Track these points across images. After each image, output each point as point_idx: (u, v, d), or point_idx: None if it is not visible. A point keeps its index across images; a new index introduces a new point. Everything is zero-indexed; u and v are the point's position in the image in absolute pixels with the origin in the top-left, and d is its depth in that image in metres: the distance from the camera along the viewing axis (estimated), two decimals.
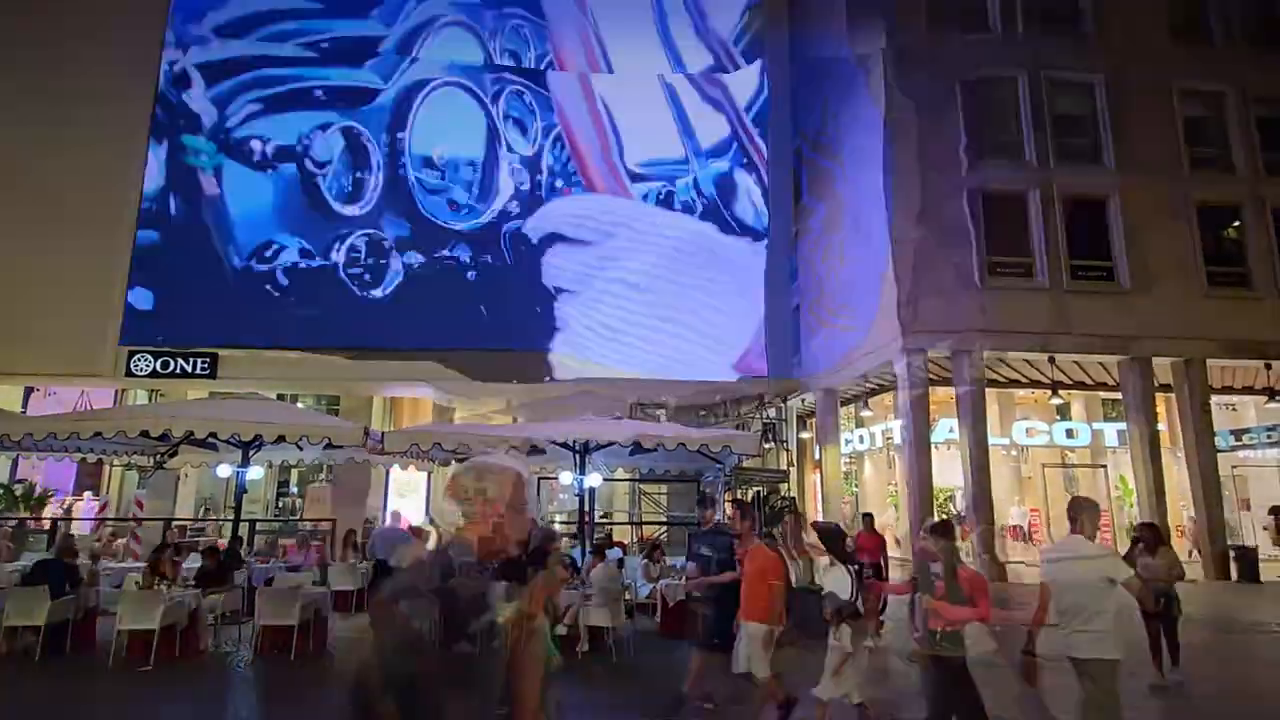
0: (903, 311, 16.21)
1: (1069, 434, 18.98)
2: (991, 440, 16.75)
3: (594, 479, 12.20)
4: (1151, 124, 17.55)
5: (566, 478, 12.81)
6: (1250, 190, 17.57)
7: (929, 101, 17.18)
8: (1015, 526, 19.31)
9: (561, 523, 18.60)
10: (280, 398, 20.12)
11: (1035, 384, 18.56)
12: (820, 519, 19.44)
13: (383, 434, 11.28)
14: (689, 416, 21.86)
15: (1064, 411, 19.12)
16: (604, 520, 19.33)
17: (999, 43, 17.79)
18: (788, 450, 21.24)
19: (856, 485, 22.15)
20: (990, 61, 17.65)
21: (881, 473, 21.56)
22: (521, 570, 2.16)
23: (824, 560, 5.66)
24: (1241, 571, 15.37)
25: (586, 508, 12.48)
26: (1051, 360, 17.07)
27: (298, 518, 21.19)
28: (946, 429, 17.71)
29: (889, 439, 19.52)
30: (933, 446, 16.55)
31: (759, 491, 19.15)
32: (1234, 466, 19.64)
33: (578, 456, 11.12)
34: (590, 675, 7.41)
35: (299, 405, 20.81)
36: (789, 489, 18.81)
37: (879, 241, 17.16)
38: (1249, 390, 19.03)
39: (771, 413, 22.89)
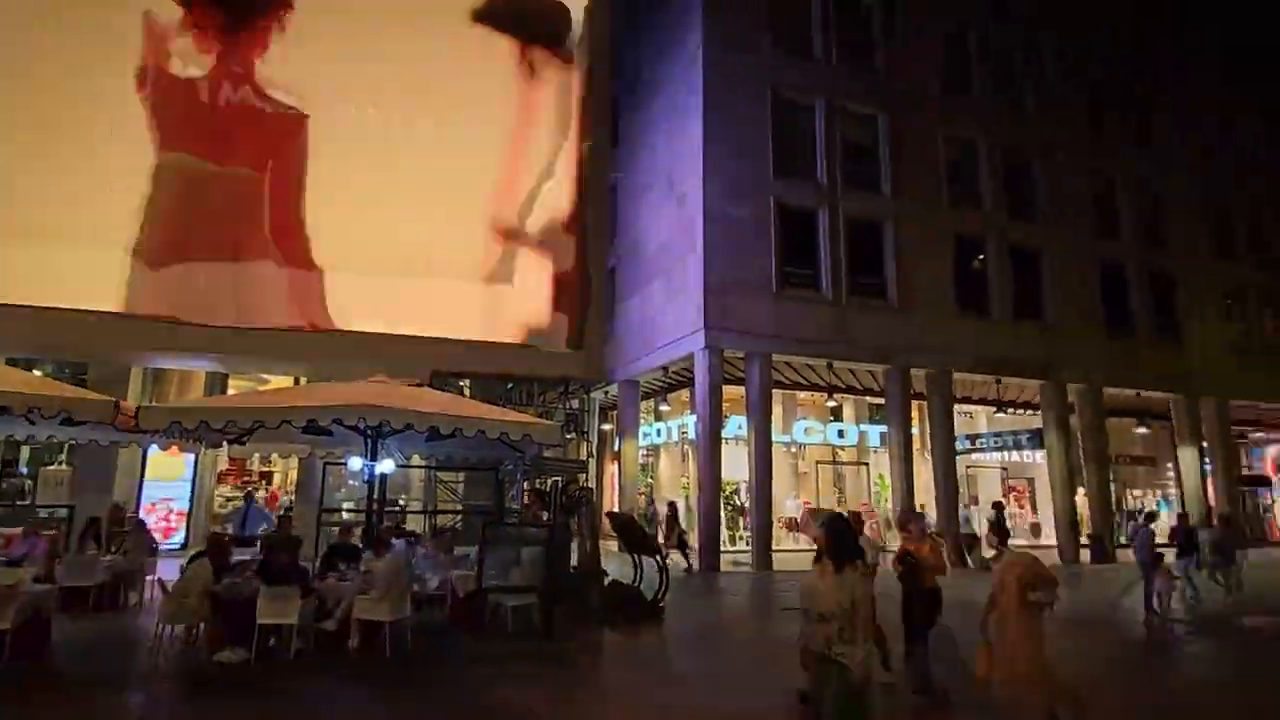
0: (710, 300, 16.92)
1: (840, 434, 20.86)
2: (775, 438, 18.00)
3: (386, 465, 11.42)
4: (921, 161, 19.73)
5: (356, 463, 11.91)
6: (995, 230, 20.31)
7: (745, 97, 18.09)
8: (791, 518, 20.90)
9: (349, 511, 17.40)
10: (12, 363, 16.93)
11: (815, 387, 20.18)
12: (617, 509, 19.84)
13: (139, 408, 9.74)
14: (491, 395, 21.37)
15: (837, 414, 20.96)
16: (395, 509, 18.34)
17: (808, 67, 19.09)
18: (588, 441, 21.49)
19: (652, 477, 22.88)
20: (799, 84, 18.88)
21: (675, 465, 22.43)
22: None
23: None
24: (961, 558, 17.71)
25: (377, 495, 11.68)
26: (830, 366, 18.70)
27: (28, 503, 18.05)
28: (736, 425, 18.75)
29: (684, 433, 20.33)
30: (723, 441, 17.45)
31: (558, 481, 19.15)
32: (968, 467, 22.65)
33: (369, 441, 10.31)
34: (353, 672, 7.08)
35: (35, 373, 17.66)
36: (587, 479, 19.02)
37: (692, 210, 17.80)
38: (983, 401, 22.03)
39: (575, 404, 23.02)
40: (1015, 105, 21.65)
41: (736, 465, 18.59)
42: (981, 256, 20.29)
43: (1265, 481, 26.90)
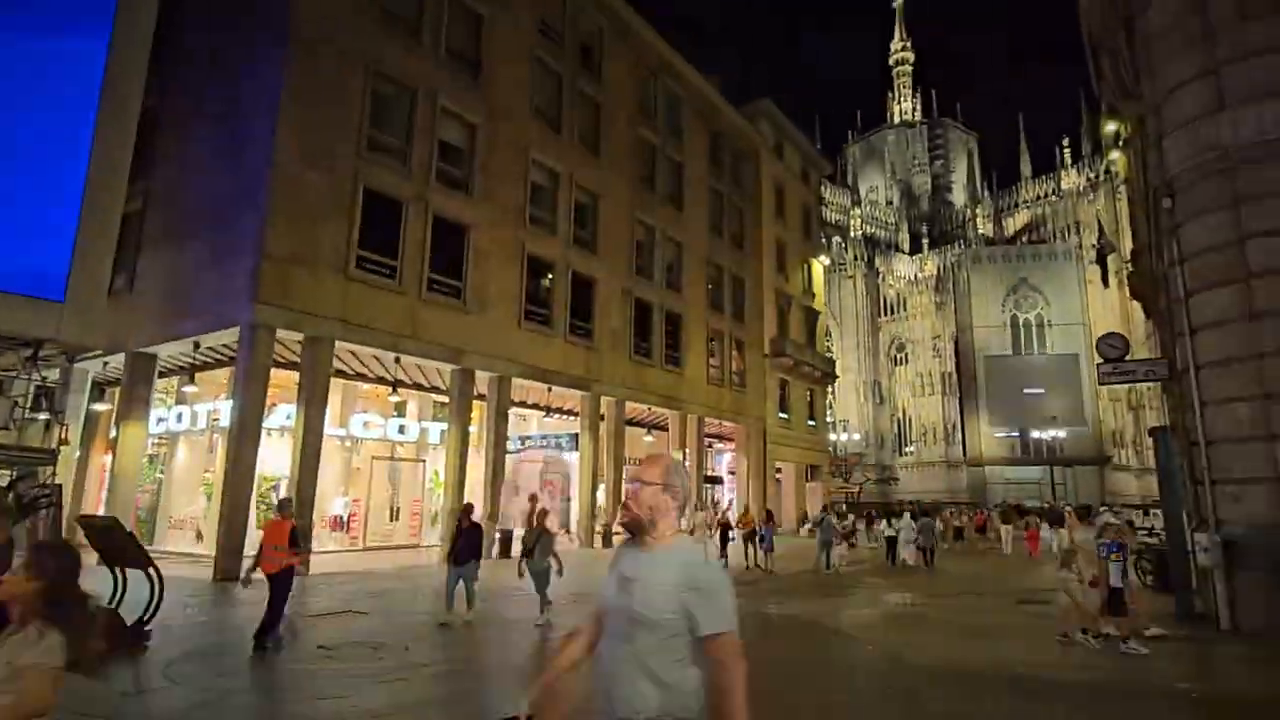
0: (268, 270, 14.76)
1: (401, 430, 20.43)
2: (328, 430, 16.64)
3: None
4: (510, 177, 20.80)
5: None
6: (562, 254, 22.51)
7: (339, 58, 16.43)
8: (336, 517, 19.58)
9: None
10: None
11: (380, 380, 19.40)
12: (101, 512, 15.90)
13: None
14: None
15: (400, 409, 20.49)
16: None
17: (413, 53, 18.36)
18: (63, 424, 16.66)
19: (163, 470, 18.98)
20: (401, 67, 18.00)
21: (199, 457, 19.05)
22: None
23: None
24: (502, 549, 19.00)
25: None
26: (397, 360, 18.15)
27: None
28: (284, 415, 16.83)
29: (215, 420, 17.41)
30: (265, 432, 15.42)
31: (12, 476, 14.40)
32: (516, 464, 24.46)
33: None
34: None
35: None
36: (54, 474, 14.63)
37: (257, 164, 15.34)
38: (535, 406, 24.09)
39: (55, 374, 17.75)
40: (593, 150, 24.49)
41: (277, 458, 16.69)
42: (551, 277, 22.27)
43: (720, 480, 35.27)
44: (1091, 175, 76.69)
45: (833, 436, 53.28)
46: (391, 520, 20.86)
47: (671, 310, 27.83)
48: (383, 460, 20.99)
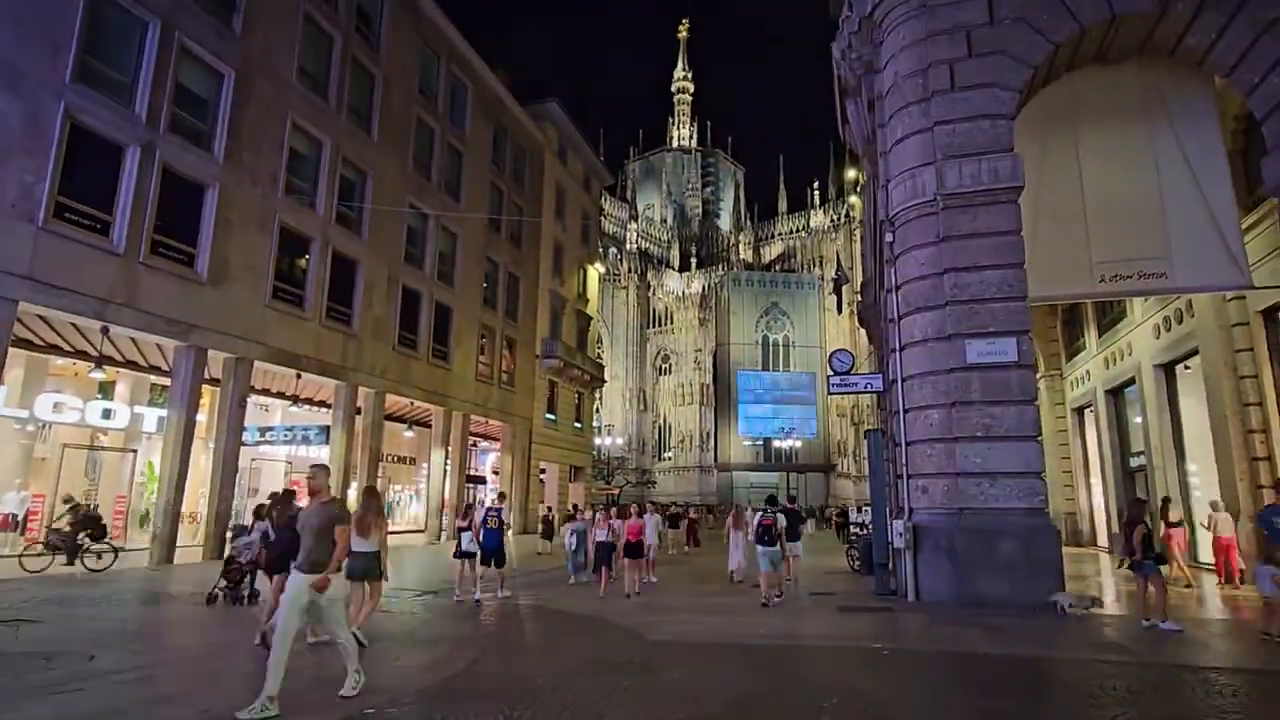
0: None
1: (107, 414, 17.52)
2: (2, 411, 13.81)
3: None
4: (265, 139, 18.88)
5: None
6: (322, 231, 20.89)
7: None
8: (8, 515, 16.27)
9: None
10: None
11: (81, 354, 16.51)
12: None
13: None
14: None
15: (106, 389, 17.59)
16: None
17: None
18: None
19: None
20: None
21: None
22: None
23: None
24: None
25: None
26: (106, 331, 15.56)
27: None
28: None
29: None
30: None
31: None
32: (253, 459, 22.13)
33: None
34: None
35: None
36: None
37: None
38: (281, 395, 22.01)
39: None
40: (365, 124, 23.05)
41: None
42: (308, 255, 20.54)
43: (483, 480, 34.83)
44: (835, 216, 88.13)
45: (598, 440, 55.21)
46: None
47: (442, 302, 27.05)
48: (78, 449, 17.84)
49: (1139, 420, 18.19)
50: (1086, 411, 22.30)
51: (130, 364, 18.01)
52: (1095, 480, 21.92)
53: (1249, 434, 12.93)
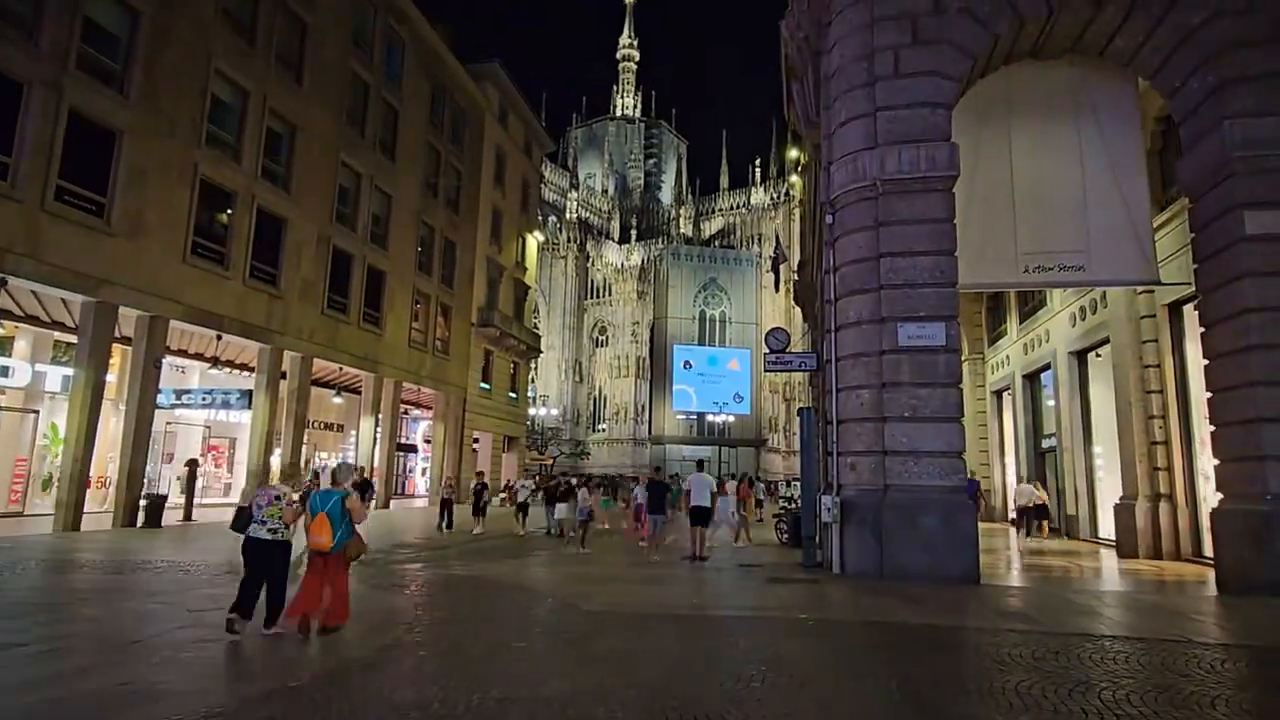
0: None
1: (4, 371, 16.34)
2: None
3: None
4: (182, 83, 17.67)
5: None
6: (246, 186, 19.80)
7: None
8: None
9: None
10: None
11: None
12: None
13: None
14: None
15: (4, 345, 16.38)
16: None
17: None
18: None
19: None
20: None
21: None
22: None
23: None
24: (148, 518, 16.34)
25: None
26: (3, 283, 14.40)
27: None
28: None
29: None
30: None
31: None
32: (168, 423, 21.06)
33: None
34: None
35: None
36: None
37: None
38: (199, 356, 20.95)
39: None
40: (295, 75, 21.84)
41: None
42: (231, 210, 19.44)
43: (414, 449, 34.22)
44: (775, 195, 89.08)
45: (533, 410, 54.90)
46: None
47: (375, 266, 26.16)
48: None
49: (1052, 404, 19.27)
50: (1005, 394, 23.49)
51: (31, 319, 16.79)
52: (1010, 460, 23.18)
53: (1149, 419, 13.88)
